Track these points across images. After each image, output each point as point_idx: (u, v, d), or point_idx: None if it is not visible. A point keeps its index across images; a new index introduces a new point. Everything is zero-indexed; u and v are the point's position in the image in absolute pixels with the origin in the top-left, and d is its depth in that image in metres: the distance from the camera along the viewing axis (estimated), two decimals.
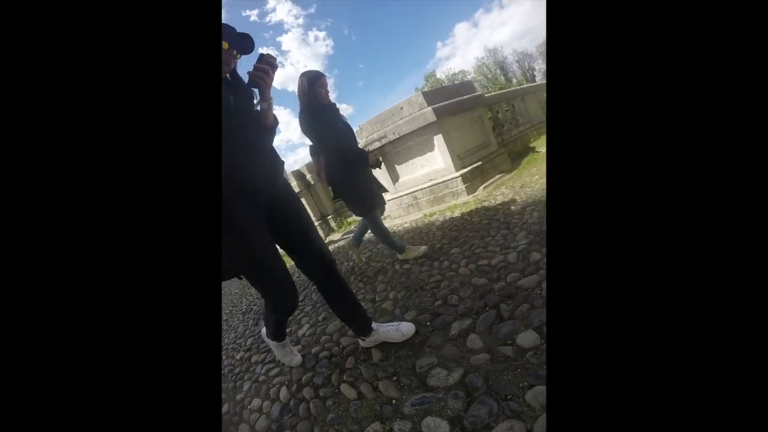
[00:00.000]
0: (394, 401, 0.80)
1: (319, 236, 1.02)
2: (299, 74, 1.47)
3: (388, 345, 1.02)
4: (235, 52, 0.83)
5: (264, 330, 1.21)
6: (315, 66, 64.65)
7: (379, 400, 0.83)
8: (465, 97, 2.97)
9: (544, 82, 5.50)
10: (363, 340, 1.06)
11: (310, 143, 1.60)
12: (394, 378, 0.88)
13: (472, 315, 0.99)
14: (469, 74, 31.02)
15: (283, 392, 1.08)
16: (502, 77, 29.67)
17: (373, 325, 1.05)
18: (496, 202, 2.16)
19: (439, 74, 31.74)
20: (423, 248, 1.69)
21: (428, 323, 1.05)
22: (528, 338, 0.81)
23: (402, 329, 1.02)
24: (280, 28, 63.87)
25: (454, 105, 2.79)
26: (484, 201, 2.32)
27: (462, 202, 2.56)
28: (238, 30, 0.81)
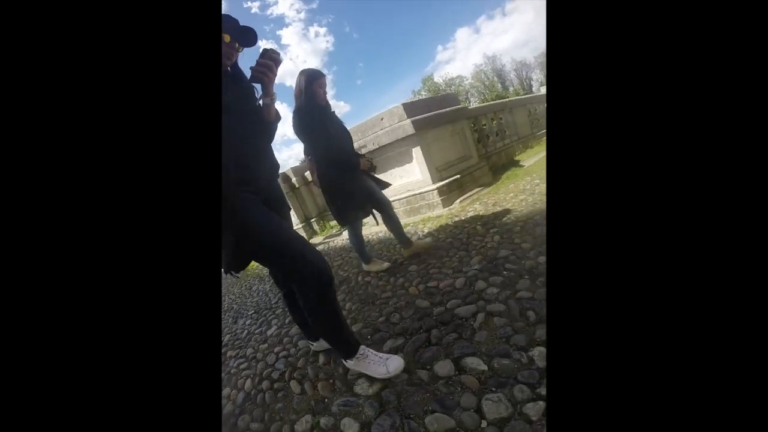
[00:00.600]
0: (326, 400, 1.01)
1: None
2: (299, 71, 1.49)
3: (332, 351, 1.23)
4: (237, 45, 0.83)
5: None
6: (314, 62, 63.48)
7: (315, 397, 1.04)
8: (446, 109, 3.06)
9: (534, 94, 5.57)
10: (312, 345, 1.27)
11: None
12: (331, 380, 1.09)
13: (406, 335, 1.17)
14: (467, 80, 31.93)
15: (248, 383, 1.30)
16: (500, 85, 30.55)
17: None
18: (466, 219, 2.31)
19: (437, 78, 32.35)
20: (386, 264, 1.87)
21: (369, 337, 1.26)
22: (444, 367, 0.92)
23: None
24: (281, 22, 62.05)
25: (433, 118, 2.89)
26: (456, 216, 2.47)
27: (436, 214, 2.72)
28: (240, 23, 0.82)
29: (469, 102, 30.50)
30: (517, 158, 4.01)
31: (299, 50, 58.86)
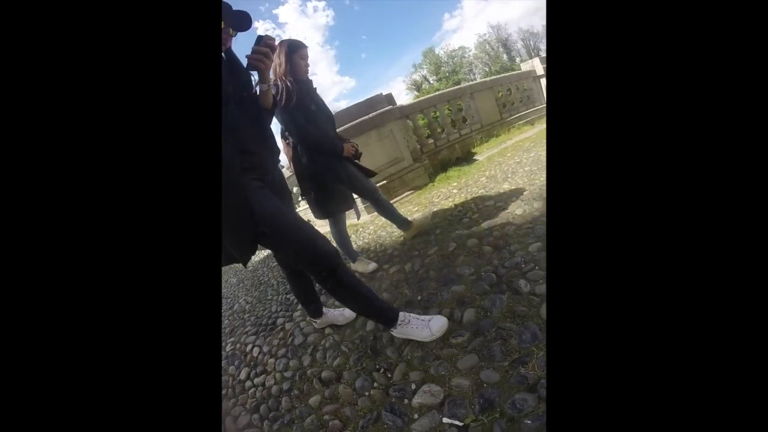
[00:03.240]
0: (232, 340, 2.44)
1: None
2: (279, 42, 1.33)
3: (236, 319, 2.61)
4: (231, 30, 0.83)
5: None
6: (316, 37, 53.74)
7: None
8: (368, 116, 3.13)
9: (498, 77, 4.34)
10: (315, 322, 1.37)
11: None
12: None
13: (257, 325, 2.36)
14: (470, 51, 30.10)
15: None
16: (505, 56, 29.28)
17: (324, 309, 1.36)
18: (363, 233, 2.88)
19: (438, 50, 29.92)
20: (372, 265, 1.72)
21: (245, 316, 2.53)
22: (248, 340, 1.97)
23: (345, 314, 1.35)
24: (276, 0, 47.44)
25: (351, 129, 3.07)
26: (361, 228, 3.02)
27: (352, 223, 3.26)
28: (235, 6, 0.82)
29: (473, 75, 28.33)
30: (474, 150, 3.68)
31: (298, 27, 51.83)
